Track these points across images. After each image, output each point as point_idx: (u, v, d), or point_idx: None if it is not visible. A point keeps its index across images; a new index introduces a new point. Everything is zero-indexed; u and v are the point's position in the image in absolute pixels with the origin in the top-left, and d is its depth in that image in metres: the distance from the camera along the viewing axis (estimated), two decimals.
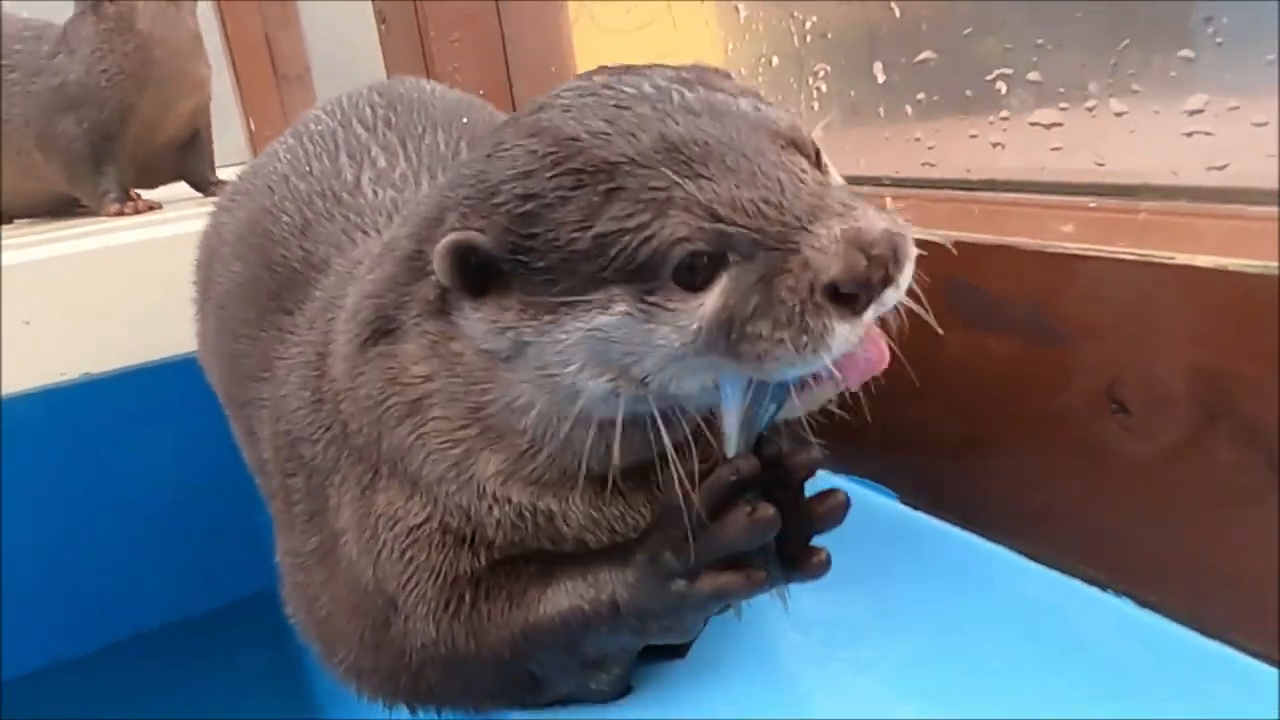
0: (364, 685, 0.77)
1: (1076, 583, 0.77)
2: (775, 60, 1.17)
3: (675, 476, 0.61)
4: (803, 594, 0.67)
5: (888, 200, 1.02)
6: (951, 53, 0.93)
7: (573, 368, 0.61)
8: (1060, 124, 0.84)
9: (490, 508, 0.69)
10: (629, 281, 0.58)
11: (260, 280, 0.96)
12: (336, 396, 0.75)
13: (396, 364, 0.69)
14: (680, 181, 0.56)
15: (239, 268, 1.00)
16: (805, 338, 0.54)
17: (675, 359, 0.58)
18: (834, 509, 0.64)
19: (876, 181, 1.05)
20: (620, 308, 0.58)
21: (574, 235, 0.58)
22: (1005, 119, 0.89)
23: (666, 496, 0.64)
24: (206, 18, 3.27)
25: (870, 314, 0.55)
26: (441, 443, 0.69)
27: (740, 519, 0.60)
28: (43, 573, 1.86)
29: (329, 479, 0.79)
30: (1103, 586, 0.76)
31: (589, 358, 0.60)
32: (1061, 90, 0.83)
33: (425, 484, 0.70)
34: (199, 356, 1.16)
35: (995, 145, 0.90)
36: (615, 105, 0.60)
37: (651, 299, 0.58)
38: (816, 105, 1.11)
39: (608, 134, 0.58)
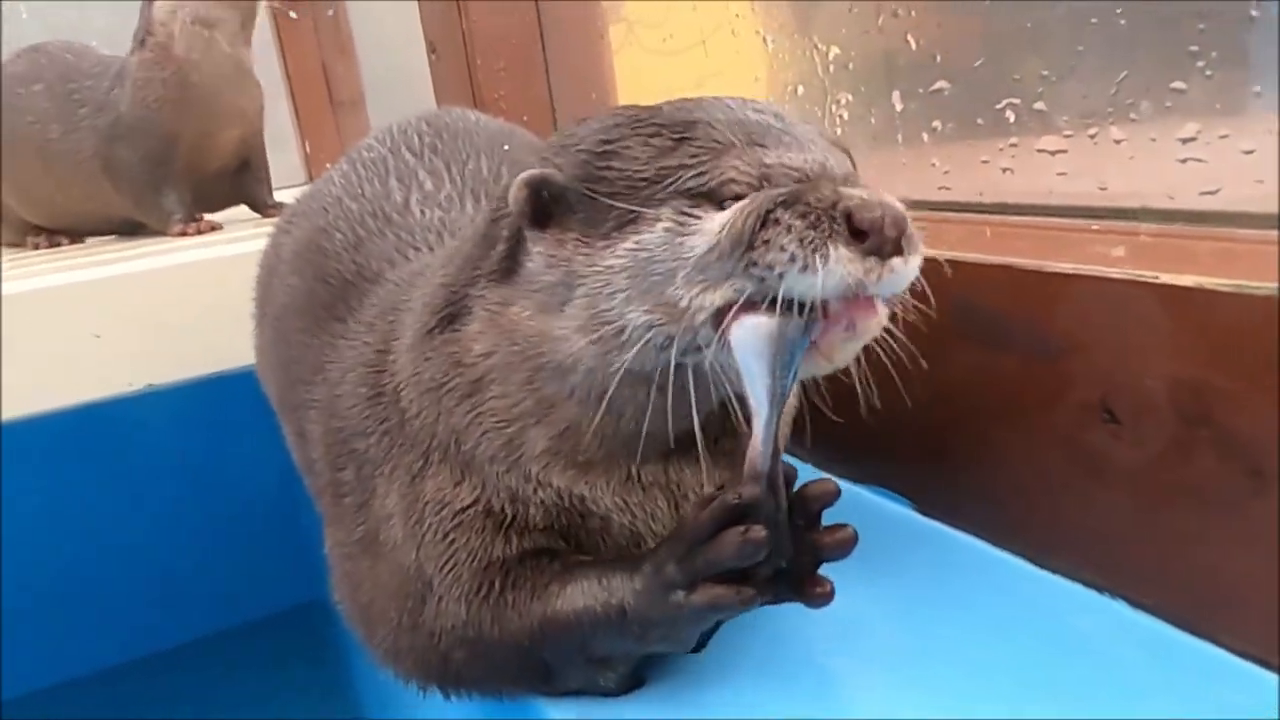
0: (401, 666, 0.83)
1: (1078, 587, 0.81)
2: (801, 89, 1.22)
3: (701, 484, 0.69)
4: None
5: None
6: (964, 83, 0.98)
7: (619, 299, 0.66)
8: (1065, 150, 0.88)
9: (535, 489, 0.75)
10: (676, 200, 0.65)
11: (315, 292, 1.03)
12: (397, 389, 0.82)
13: (459, 347, 0.76)
14: (740, 143, 0.65)
15: (295, 281, 1.07)
16: (808, 247, 0.59)
17: (699, 268, 0.63)
18: (842, 542, 0.68)
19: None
20: (664, 224, 0.65)
21: (642, 167, 0.66)
22: (1014, 145, 0.93)
23: (687, 512, 0.69)
24: (266, 46, 3.42)
25: (874, 264, 0.59)
26: (497, 422, 0.75)
27: (733, 538, 0.64)
28: (98, 579, 1.91)
29: (379, 469, 0.84)
30: (1101, 590, 0.79)
31: (633, 284, 0.66)
32: (1065, 119, 0.87)
33: (477, 464, 0.76)
34: (256, 367, 1.24)
35: (1005, 170, 0.95)
36: (699, 102, 0.70)
37: (690, 213, 0.64)
38: (840, 131, 1.16)
39: (689, 108, 0.69)
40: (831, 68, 1.16)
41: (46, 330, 1.70)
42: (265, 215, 2.49)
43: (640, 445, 0.73)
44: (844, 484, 0.93)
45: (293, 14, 3.67)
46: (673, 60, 1.57)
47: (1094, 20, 0.83)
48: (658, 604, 0.69)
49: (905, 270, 0.61)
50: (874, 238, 0.59)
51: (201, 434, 1.90)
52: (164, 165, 2.30)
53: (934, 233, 1.01)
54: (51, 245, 2.53)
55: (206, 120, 2.31)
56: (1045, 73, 0.89)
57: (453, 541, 0.77)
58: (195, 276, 1.81)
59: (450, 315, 0.77)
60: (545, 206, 0.70)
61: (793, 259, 0.59)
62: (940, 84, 1.01)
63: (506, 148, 1.15)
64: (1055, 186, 0.90)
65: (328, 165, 3.66)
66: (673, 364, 0.66)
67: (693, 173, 0.65)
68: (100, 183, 2.35)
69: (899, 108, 1.07)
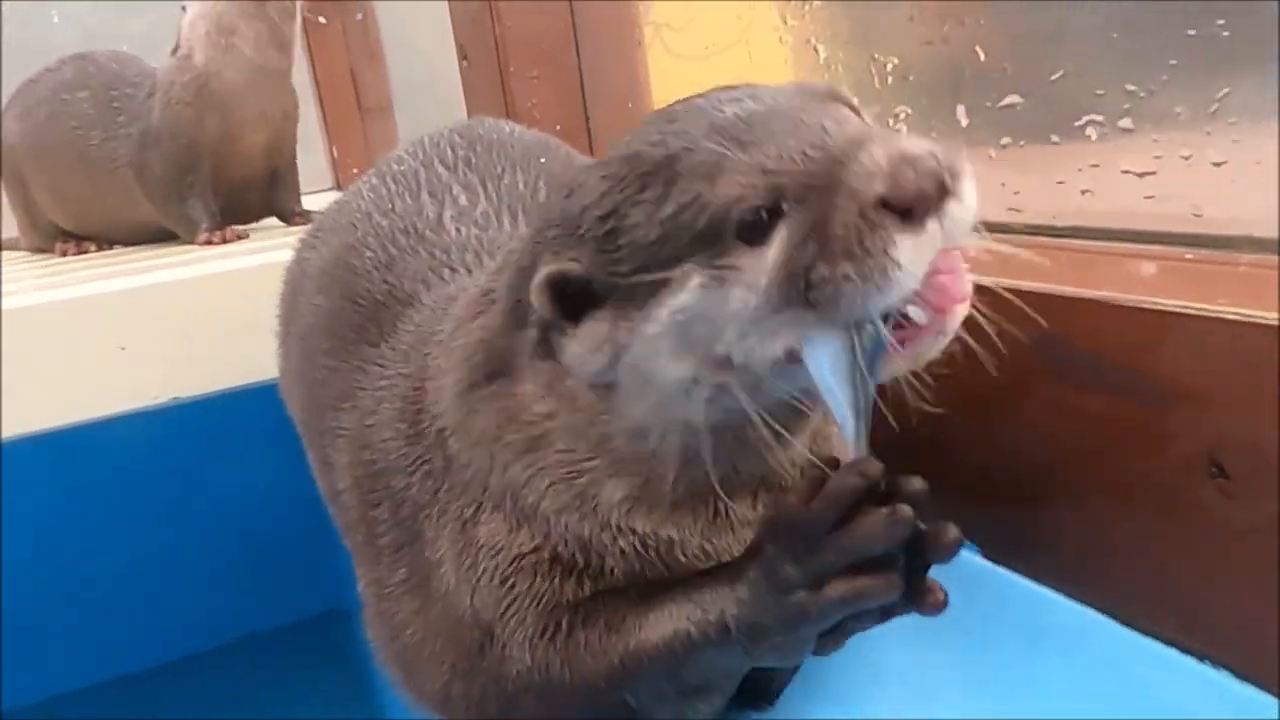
0: (451, 712, 0.77)
1: (1163, 648, 0.74)
2: (855, 102, 1.16)
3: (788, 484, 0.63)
4: (880, 647, 0.66)
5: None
6: (1039, 97, 0.92)
7: (663, 359, 0.61)
8: (1154, 173, 0.82)
9: (615, 538, 0.69)
10: (698, 253, 0.59)
11: (343, 313, 0.98)
12: (442, 433, 0.76)
13: (514, 402, 0.71)
14: (728, 151, 0.58)
15: (322, 300, 1.02)
16: (870, 260, 0.53)
17: (752, 321, 0.58)
18: (950, 544, 0.60)
19: None
20: (695, 280, 0.59)
21: (647, 229, 0.60)
22: (1095, 166, 0.87)
23: (774, 510, 0.64)
24: (295, 51, 3.41)
25: (935, 226, 0.53)
26: (566, 473, 0.69)
27: (878, 519, 0.58)
28: (121, 587, 1.90)
29: (425, 512, 0.79)
30: (1191, 653, 0.72)
31: (681, 345, 0.60)
32: (1156, 139, 0.81)
33: (540, 516, 0.70)
34: (280, 386, 1.19)
35: (1084, 192, 0.88)
36: (668, 119, 0.63)
37: (720, 263, 0.58)
38: None
39: (661, 138, 0.61)
40: (890, 79, 1.10)
41: (69, 342, 1.68)
42: (291, 224, 2.46)
43: (730, 483, 0.67)
44: None
45: (321, 19, 3.67)
46: (713, 68, 1.51)
47: (1191, 32, 0.76)
48: (773, 609, 0.62)
49: (964, 206, 0.54)
50: (920, 206, 0.53)
51: (225, 446, 1.87)
52: (190, 174, 2.30)
53: (1002, 257, 0.95)
54: (80, 251, 2.52)
55: (227, 126, 2.31)
56: (1132, 88, 0.82)
57: (513, 585, 0.72)
58: (221, 288, 1.79)
59: (495, 374, 0.72)
60: (573, 298, 0.64)
61: (857, 283, 0.53)
62: (1012, 98, 0.94)
63: (543, 160, 1.10)
64: (1141, 210, 0.83)
65: (355, 171, 3.67)
66: (750, 409, 0.60)
67: (695, 211, 0.58)
68: (134, 190, 2.37)
69: (964, 123, 1.00)
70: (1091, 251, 0.88)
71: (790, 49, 1.30)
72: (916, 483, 0.60)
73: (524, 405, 0.70)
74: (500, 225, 1.00)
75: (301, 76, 3.44)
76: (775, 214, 0.57)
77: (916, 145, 0.54)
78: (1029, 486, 0.83)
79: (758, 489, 0.70)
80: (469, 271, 0.92)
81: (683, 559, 0.69)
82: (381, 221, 1.03)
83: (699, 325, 0.59)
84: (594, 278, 0.63)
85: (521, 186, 1.04)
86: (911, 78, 1.08)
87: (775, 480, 0.69)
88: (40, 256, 2.59)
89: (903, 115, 1.09)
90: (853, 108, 0.63)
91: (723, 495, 0.67)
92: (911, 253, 0.52)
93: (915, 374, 0.58)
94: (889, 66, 1.10)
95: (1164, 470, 0.71)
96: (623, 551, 0.69)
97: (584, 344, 0.65)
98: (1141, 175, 0.82)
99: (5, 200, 2.67)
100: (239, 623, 2.00)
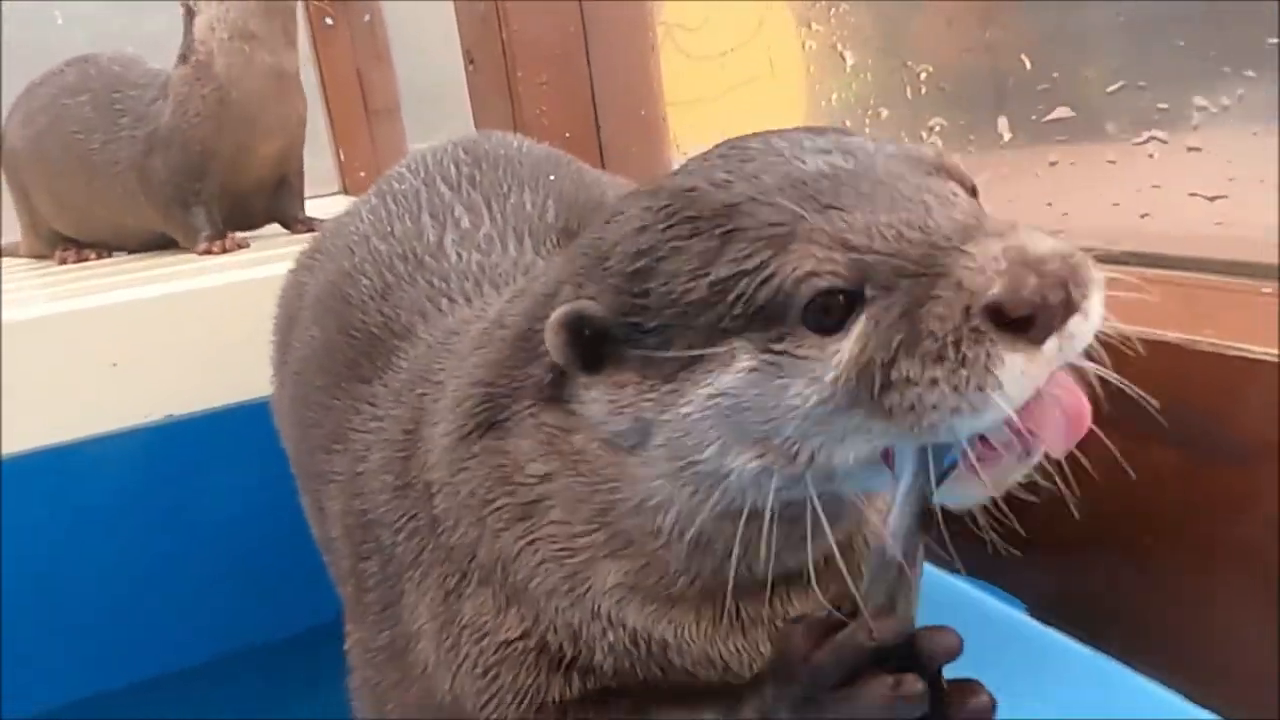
0: None
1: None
2: (885, 112, 1.08)
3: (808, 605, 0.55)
4: None
5: None
6: (1092, 110, 0.84)
7: (712, 448, 0.53)
8: (1225, 196, 0.74)
9: (604, 630, 0.62)
10: (751, 330, 0.50)
11: (336, 346, 0.91)
12: (429, 488, 0.69)
13: (508, 460, 0.63)
14: (805, 213, 0.49)
15: (316, 332, 0.96)
16: (965, 371, 0.45)
17: (817, 420, 0.50)
18: (979, 712, 0.53)
19: None
20: (744, 362, 0.50)
21: (688, 285, 0.51)
22: (1156, 188, 0.79)
23: (787, 638, 0.55)
24: (301, 53, 3.36)
25: (1053, 346, 0.45)
26: (558, 550, 0.62)
27: (881, 690, 0.50)
28: (109, 604, 1.86)
29: (407, 572, 0.73)
30: None
31: (725, 431, 0.52)
32: (1230, 160, 0.73)
33: (530, 597, 0.63)
34: (275, 420, 1.12)
35: (1143, 216, 0.80)
36: (741, 158, 0.54)
37: (779, 347, 0.50)
38: None
39: (729, 179, 0.52)
40: (924, 89, 1.02)
41: (59, 359, 1.63)
42: (294, 231, 2.40)
43: (744, 581, 0.59)
44: (935, 574, 0.80)
45: (328, 20, 3.63)
46: (728, 72, 1.43)
47: (1272, 40, 0.68)
48: None
49: (1088, 323, 0.47)
50: (1040, 320, 0.44)
51: (221, 464, 1.82)
52: (196, 181, 2.24)
53: None
54: (80, 259, 2.46)
55: (246, 136, 2.24)
56: (1202, 102, 0.74)
57: (496, 676, 0.64)
58: (217, 302, 1.74)
59: (489, 422, 0.64)
60: (591, 343, 0.56)
61: (946, 402, 0.45)
62: (1061, 111, 0.86)
63: (552, 178, 1.02)
64: (1210, 238, 0.75)
65: (362, 174, 3.59)
66: (817, 503, 0.52)
67: (756, 281, 0.49)
68: (135, 195, 2.31)
69: (1006, 137, 0.92)
70: (1151, 280, 0.80)
71: (814, 55, 1.23)
72: (946, 640, 0.51)
73: (518, 465, 0.62)
74: (505, 249, 0.93)
75: (308, 78, 3.40)
76: (855, 299, 0.48)
77: (1041, 243, 0.46)
78: (1087, 544, 0.75)
79: (776, 584, 0.61)
80: (468, 301, 0.85)
81: (679, 663, 0.62)
82: (379, 246, 0.96)
83: (747, 415, 0.51)
84: (614, 324, 0.55)
85: (529, 207, 0.97)
86: (948, 87, 1.01)
87: (798, 576, 0.61)
88: (38, 265, 2.54)
89: (937, 129, 1.01)
90: (964, 184, 0.53)
91: (731, 595, 0.58)
92: (1019, 375, 0.45)
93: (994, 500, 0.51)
94: (923, 75, 1.02)
95: (1244, 533, 0.63)
96: (611, 647, 0.62)
97: (602, 403, 0.57)
98: (1212, 199, 0.74)
99: (5, 206, 2.63)
100: (231, 637, 1.96)
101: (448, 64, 2.29)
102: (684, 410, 0.53)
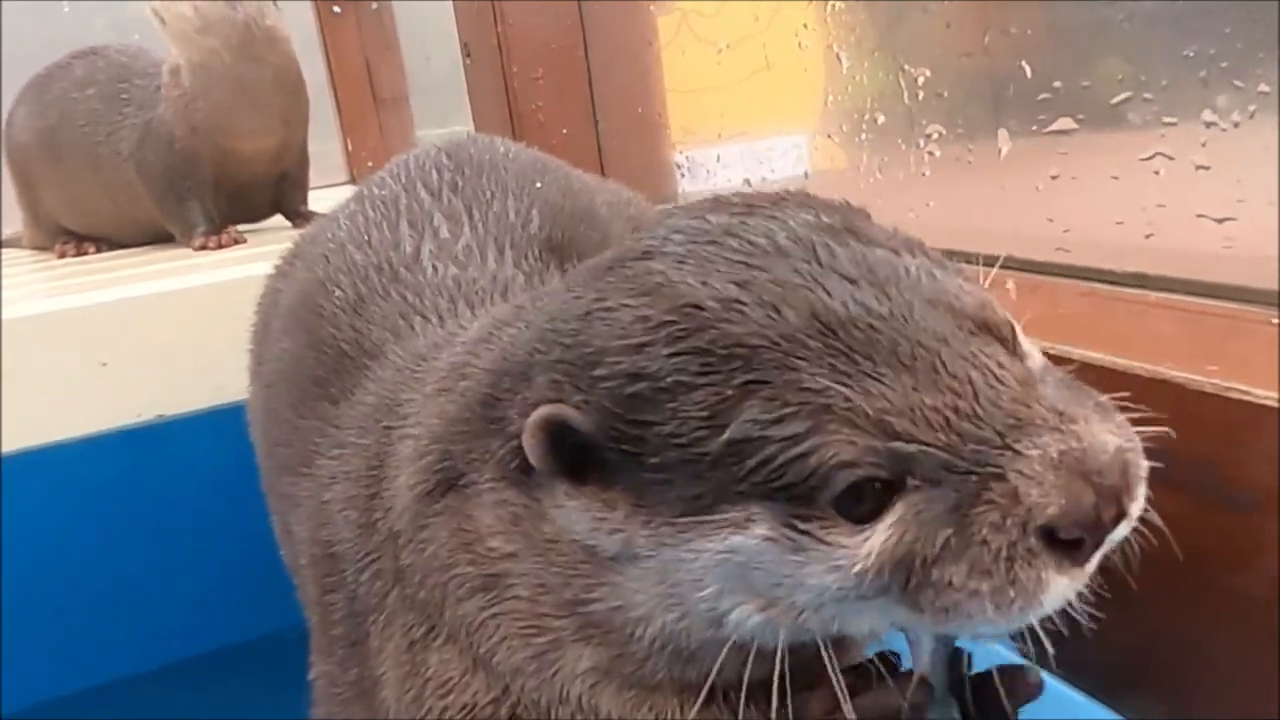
0: None
1: None
2: (881, 118, 1.04)
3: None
4: None
5: (1010, 285, 0.88)
6: (1096, 123, 0.80)
7: (709, 590, 0.49)
8: (1234, 218, 0.69)
9: (573, 715, 0.58)
10: (772, 499, 0.45)
11: (305, 361, 0.88)
12: (395, 537, 0.65)
13: (470, 527, 0.58)
14: (841, 384, 0.43)
15: (287, 344, 0.93)
16: (1012, 592, 0.43)
17: (835, 601, 0.47)
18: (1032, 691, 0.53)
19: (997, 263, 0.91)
20: (761, 530, 0.46)
21: (700, 434, 0.45)
22: (1162, 207, 0.74)
23: (801, 710, 0.53)
24: (309, 42, 3.33)
25: (1095, 561, 0.45)
26: (523, 628, 0.57)
27: None
28: (98, 602, 1.86)
29: (372, 615, 0.69)
30: None
31: (727, 584, 0.49)
32: (1239, 181, 0.68)
33: (496, 671, 0.59)
34: (250, 433, 1.09)
35: (1148, 236, 0.76)
36: (745, 262, 0.47)
37: (803, 526, 0.45)
38: (928, 172, 0.98)
39: (742, 304, 0.46)
40: (921, 94, 0.98)
41: (49, 358, 1.62)
42: (295, 225, 2.37)
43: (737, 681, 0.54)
44: None
45: (336, 9, 3.61)
46: (728, 64, 1.39)
47: None
48: None
49: (1130, 525, 0.46)
50: (1092, 539, 0.44)
51: (209, 466, 1.81)
52: (186, 177, 2.22)
53: (1050, 305, 0.83)
54: (79, 253, 2.45)
55: (221, 138, 2.19)
56: (1211, 118, 0.70)
57: None
58: (209, 301, 1.72)
59: (449, 482, 0.60)
60: (574, 449, 0.50)
61: (986, 613, 0.44)
62: (1064, 122, 0.82)
63: (538, 185, 0.99)
64: (1216, 260, 0.71)
65: (369, 164, 3.57)
66: (825, 650, 0.51)
67: (786, 456, 0.44)
68: (138, 186, 2.29)
69: (1006, 148, 0.88)
70: (1155, 304, 0.76)
71: (810, 55, 1.18)
72: (1030, 676, 0.54)
73: (479, 535, 0.58)
74: (484, 262, 0.89)
75: (316, 67, 3.38)
76: (893, 489, 0.45)
77: (1100, 444, 0.43)
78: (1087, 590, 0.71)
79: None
80: (440, 321, 0.82)
81: None
82: (355, 255, 0.92)
83: (760, 576, 0.47)
84: (604, 444, 0.49)
85: (512, 215, 0.94)
86: (946, 94, 0.96)
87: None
88: (36, 257, 2.53)
89: (935, 136, 0.97)
90: (1006, 338, 0.47)
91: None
92: (1060, 595, 0.44)
93: None
94: (920, 80, 0.98)
95: (1252, 585, 0.59)
96: None
97: (585, 518, 0.51)
98: (1220, 221, 0.70)
99: (5, 195, 2.62)
100: (219, 635, 1.96)
101: (455, 53, 2.25)
102: (685, 555, 0.48)
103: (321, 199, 2.43)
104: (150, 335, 1.67)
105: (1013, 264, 0.91)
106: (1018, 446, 0.43)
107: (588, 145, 1.74)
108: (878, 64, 1.04)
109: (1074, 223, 0.83)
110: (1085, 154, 0.81)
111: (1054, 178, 0.83)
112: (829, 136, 1.13)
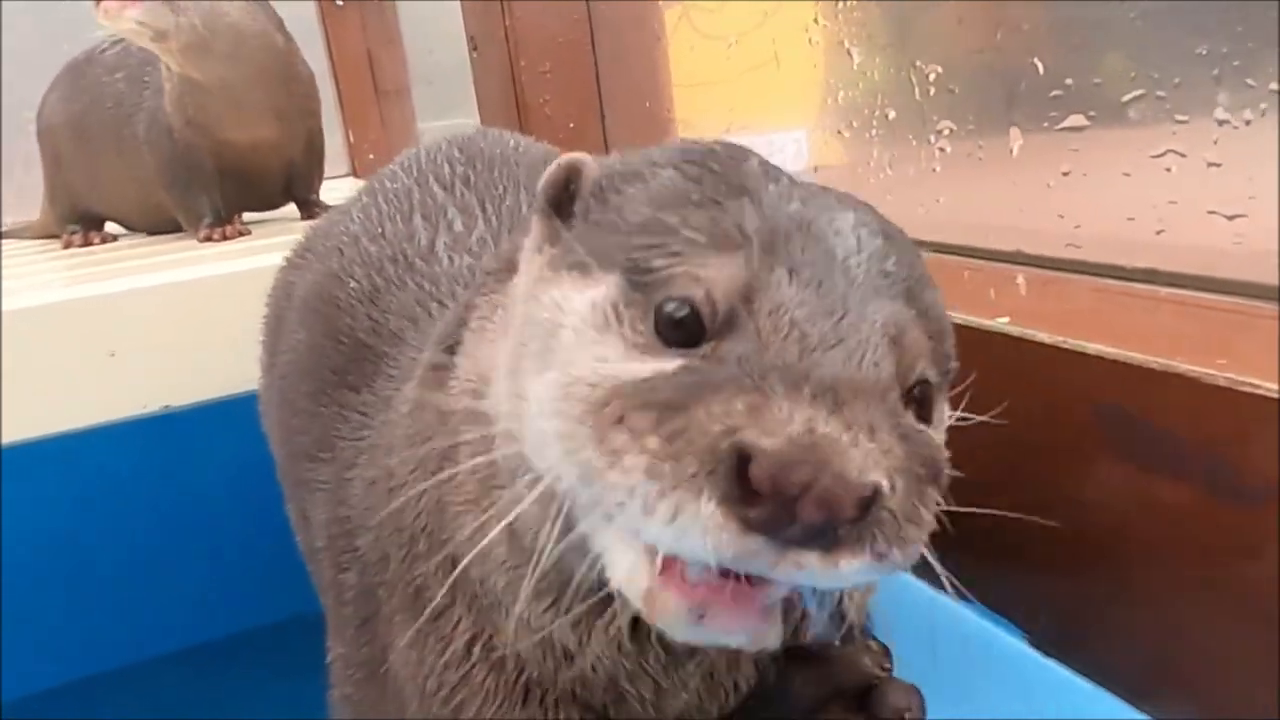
0: None
1: None
2: (892, 113, 1.05)
3: None
4: None
5: (1021, 280, 0.89)
6: (1108, 120, 0.80)
7: (524, 346, 0.51)
8: (1245, 215, 0.70)
9: (515, 632, 0.57)
10: (623, 279, 0.48)
11: (324, 351, 0.89)
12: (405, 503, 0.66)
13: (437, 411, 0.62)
14: (754, 241, 0.46)
15: (303, 335, 0.93)
16: (670, 470, 0.39)
17: (572, 399, 0.44)
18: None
19: (1009, 258, 0.92)
20: (597, 292, 0.48)
21: (641, 206, 0.51)
22: (1173, 204, 0.75)
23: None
24: (311, 34, 3.32)
25: (759, 547, 0.38)
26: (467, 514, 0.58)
27: None
28: (96, 594, 1.86)
29: (382, 590, 0.70)
30: None
31: (541, 344, 0.49)
32: (1251, 178, 0.69)
33: (473, 601, 0.61)
34: (263, 423, 1.10)
35: (1159, 232, 0.77)
36: (803, 200, 0.50)
37: (621, 310, 0.47)
38: (939, 168, 0.99)
39: (748, 172, 0.51)
40: (932, 90, 0.98)
41: (56, 348, 1.62)
42: (303, 215, 2.37)
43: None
44: (947, 601, 0.77)
45: (339, 1, 3.60)
46: (735, 59, 1.40)
47: None
48: None
49: (829, 573, 0.39)
50: (768, 506, 0.37)
51: (214, 456, 1.82)
52: (190, 169, 2.21)
53: (1059, 300, 0.84)
54: (85, 243, 2.45)
55: (217, 131, 2.18)
56: (1224, 115, 0.70)
57: (460, 705, 0.62)
58: (215, 292, 1.72)
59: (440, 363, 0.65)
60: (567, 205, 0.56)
61: (632, 493, 0.39)
62: (1075, 119, 0.82)
63: None
64: (1228, 257, 0.72)
65: (370, 156, 3.56)
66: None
67: (666, 252, 0.47)
68: (150, 174, 2.29)
69: (1018, 144, 0.89)
70: (1166, 299, 0.77)
71: (821, 50, 1.19)
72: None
73: (442, 414, 0.62)
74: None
75: (318, 59, 3.37)
76: (697, 335, 0.45)
77: (860, 460, 0.38)
78: (1092, 577, 0.72)
79: None
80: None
81: (595, 678, 0.58)
82: (369, 247, 0.93)
83: (561, 344, 0.50)
84: (588, 195, 0.55)
85: (524, 208, 0.95)
86: (956, 90, 0.97)
87: None
88: (43, 247, 2.53)
89: (946, 132, 0.98)
90: (903, 363, 0.46)
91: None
92: (708, 528, 0.38)
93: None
94: (931, 76, 0.98)
95: (1253, 579, 0.60)
96: (530, 655, 0.58)
97: (529, 254, 0.57)
98: (1231, 218, 0.71)
99: (5, 186, 2.62)
100: (224, 623, 1.96)
101: (458, 46, 2.25)
102: (531, 308, 0.52)
103: (323, 191, 2.43)
104: (158, 326, 1.67)
105: (1023, 260, 0.92)
106: (801, 394, 0.39)
107: (594, 139, 1.75)
108: (889, 59, 1.04)
109: (1085, 219, 0.84)
110: (1097, 151, 0.82)
111: (1065, 174, 0.84)
112: (838, 132, 1.14)
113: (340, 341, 0.88)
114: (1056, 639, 0.75)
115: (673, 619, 0.42)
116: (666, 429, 0.39)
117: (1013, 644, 0.80)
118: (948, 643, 0.60)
